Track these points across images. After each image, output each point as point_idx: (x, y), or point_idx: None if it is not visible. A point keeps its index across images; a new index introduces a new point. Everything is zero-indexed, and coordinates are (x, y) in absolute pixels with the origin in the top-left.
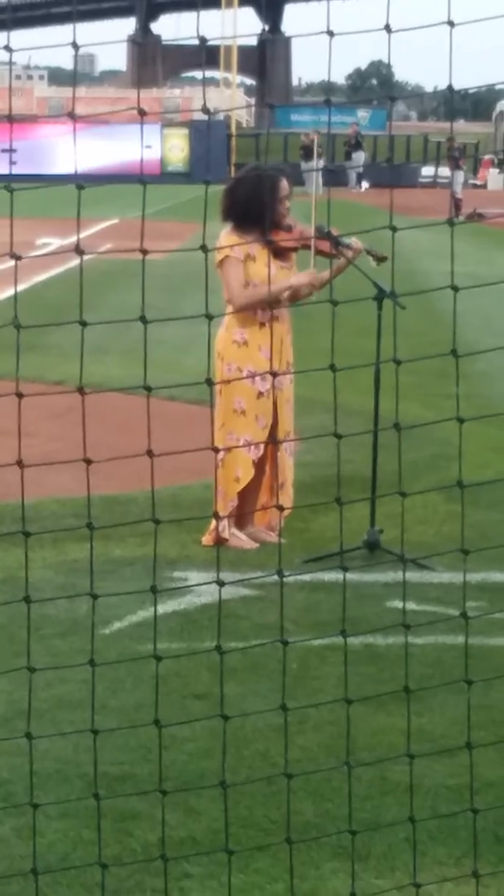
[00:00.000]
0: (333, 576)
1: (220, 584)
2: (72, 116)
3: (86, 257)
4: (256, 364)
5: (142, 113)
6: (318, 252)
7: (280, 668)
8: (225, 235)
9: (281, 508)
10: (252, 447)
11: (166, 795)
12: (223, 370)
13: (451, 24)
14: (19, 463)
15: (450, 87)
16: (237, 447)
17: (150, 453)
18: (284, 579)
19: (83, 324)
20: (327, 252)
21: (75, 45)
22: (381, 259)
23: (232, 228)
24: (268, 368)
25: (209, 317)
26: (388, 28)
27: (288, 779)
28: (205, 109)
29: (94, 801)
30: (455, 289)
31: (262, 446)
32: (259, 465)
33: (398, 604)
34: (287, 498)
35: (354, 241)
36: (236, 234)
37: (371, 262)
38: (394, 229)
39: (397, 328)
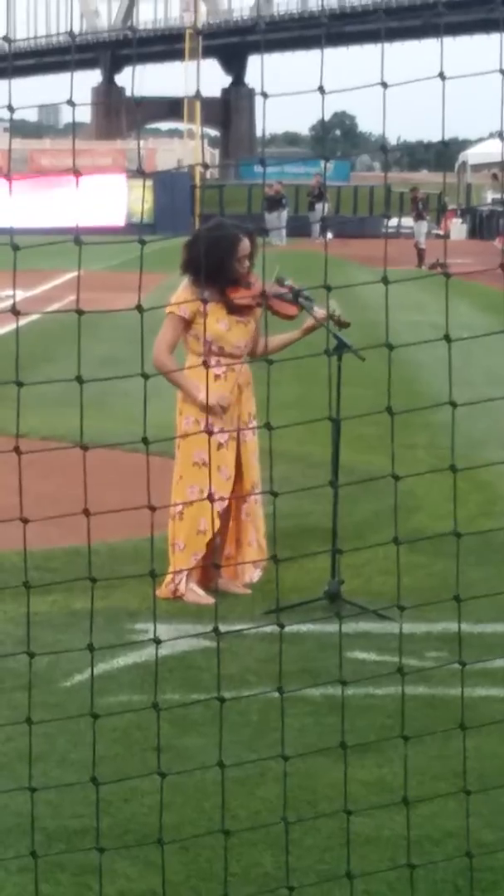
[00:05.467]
0: (294, 627)
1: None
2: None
3: (44, 311)
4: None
5: (142, 172)
6: (275, 313)
7: (241, 720)
8: (182, 289)
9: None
10: (217, 499)
11: (126, 849)
12: (181, 423)
13: (442, 76)
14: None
15: (443, 141)
16: (200, 499)
17: (151, 507)
18: (246, 631)
19: (80, 381)
20: (284, 313)
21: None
22: (343, 325)
23: (189, 283)
24: (227, 420)
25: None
26: (384, 84)
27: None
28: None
29: (55, 855)
30: (448, 340)
31: (226, 498)
32: (224, 516)
33: (359, 654)
34: (262, 551)
35: (318, 311)
36: (194, 288)
37: (332, 327)
38: (386, 282)
39: (358, 379)
